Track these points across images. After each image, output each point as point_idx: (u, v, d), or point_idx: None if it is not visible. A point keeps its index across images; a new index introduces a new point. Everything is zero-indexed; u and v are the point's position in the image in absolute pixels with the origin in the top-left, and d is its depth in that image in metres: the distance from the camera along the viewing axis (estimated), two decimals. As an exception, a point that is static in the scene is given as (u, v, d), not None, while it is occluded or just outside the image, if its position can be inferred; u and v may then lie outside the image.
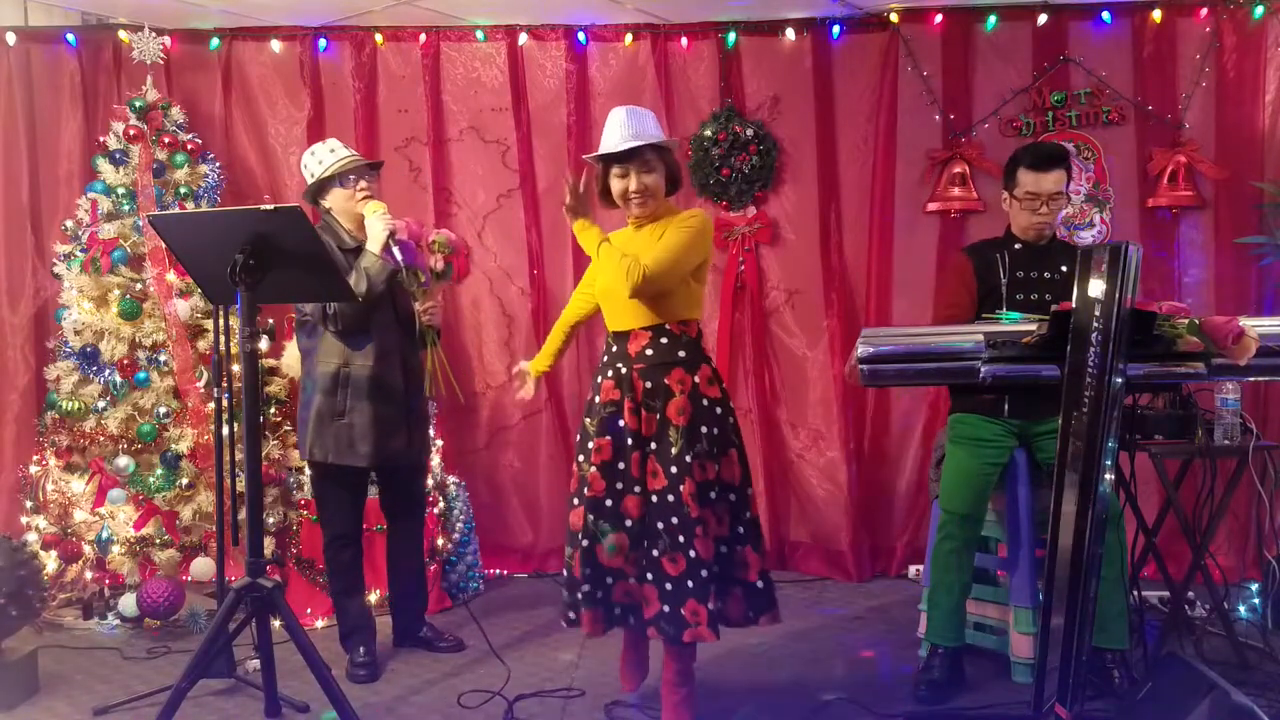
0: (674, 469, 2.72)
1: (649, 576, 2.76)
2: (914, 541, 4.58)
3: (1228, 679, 2.54)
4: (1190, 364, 2.52)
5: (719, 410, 2.82)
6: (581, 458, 2.88)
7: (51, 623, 3.96)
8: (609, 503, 2.79)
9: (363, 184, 3.39)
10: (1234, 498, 3.48)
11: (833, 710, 3.12)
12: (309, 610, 4.00)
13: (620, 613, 2.83)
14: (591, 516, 2.79)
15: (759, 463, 4.66)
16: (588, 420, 2.90)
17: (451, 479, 4.44)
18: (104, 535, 3.96)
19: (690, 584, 2.70)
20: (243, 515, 2.86)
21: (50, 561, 3.92)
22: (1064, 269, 3.27)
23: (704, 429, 2.77)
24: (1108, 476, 2.39)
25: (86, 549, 4.00)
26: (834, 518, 4.63)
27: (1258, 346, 2.42)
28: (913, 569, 4.53)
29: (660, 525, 2.73)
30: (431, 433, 3.98)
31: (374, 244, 3.29)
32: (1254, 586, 3.94)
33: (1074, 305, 2.51)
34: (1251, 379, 2.88)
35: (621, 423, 2.79)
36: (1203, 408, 3.36)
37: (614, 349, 2.88)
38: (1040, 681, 2.57)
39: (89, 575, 4.03)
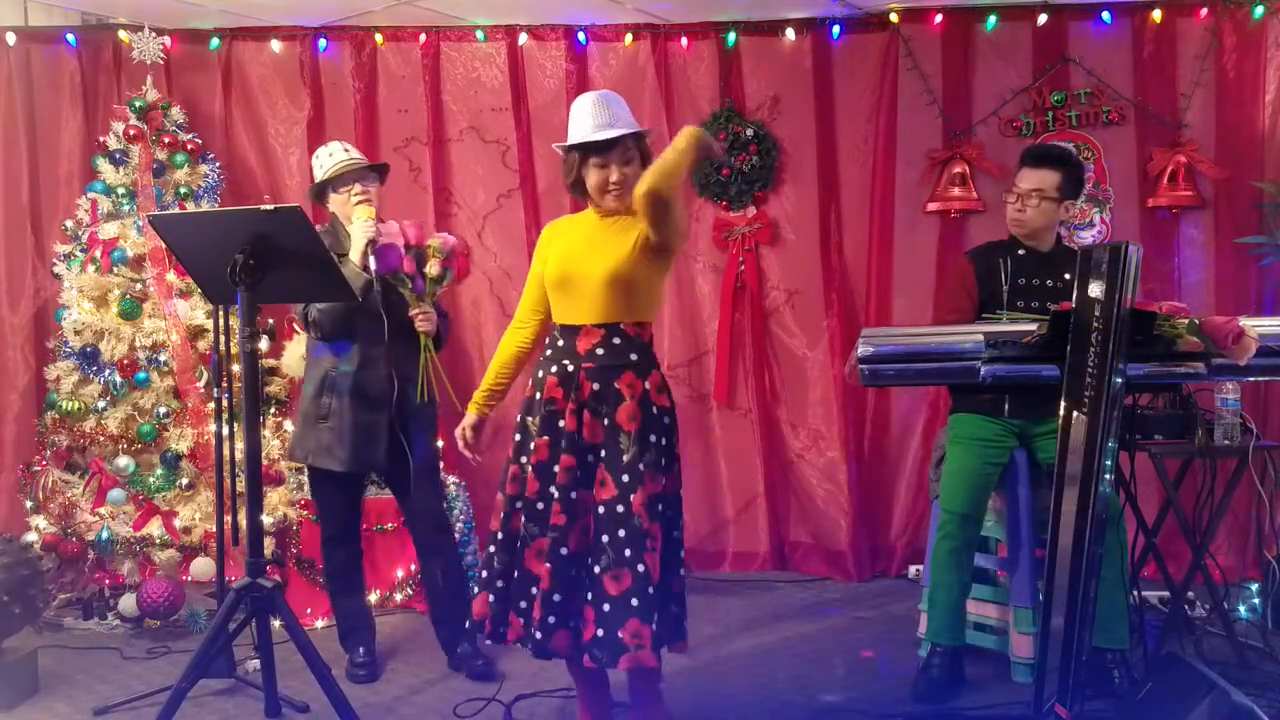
0: (625, 477, 2.54)
1: (588, 596, 2.55)
2: (914, 541, 4.57)
3: (1228, 679, 2.55)
4: (1190, 364, 2.52)
5: (667, 420, 2.65)
6: (524, 459, 2.67)
7: (51, 623, 3.95)
8: (540, 506, 2.61)
9: (357, 188, 3.34)
10: (1234, 498, 3.48)
11: (833, 711, 3.12)
12: (309, 610, 4.00)
13: (541, 637, 2.56)
14: (524, 519, 2.62)
15: (759, 463, 4.67)
16: (529, 419, 2.68)
17: (451, 479, 4.43)
18: (104, 535, 3.95)
19: (635, 602, 2.49)
20: (243, 515, 2.86)
21: (50, 562, 3.92)
22: (1067, 276, 3.23)
23: (653, 438, 2.59)
24: (1108, 476, 2.39)
25: (86, 549, 4.00)
26: (834, 518, 4.63)
27: (1258, 346, 2.42)
28: (913, 569, 4.52)
29: (605, 538, 2.52)
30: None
31: (354, 252, 3.24)
32: (1254, 586, 3.93)
33: (1074, 305, 2.51)
34: (1251, 379, 2.88)
35: (561, 424, 2.60)
36: (1203, 408, 3.36)
37: (560, 343, 2.66)
38: (1040, 681, 2.57)
39: (89, 575, 4.03)
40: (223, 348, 3.35)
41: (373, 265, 3.21)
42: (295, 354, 4.27)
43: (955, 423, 3.38)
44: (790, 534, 4.75)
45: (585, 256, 2.65)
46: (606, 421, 2.59)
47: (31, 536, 3.94)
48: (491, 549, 2.69)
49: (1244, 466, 3.37)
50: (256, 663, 3.19)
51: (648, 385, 2.63)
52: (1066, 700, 2.42)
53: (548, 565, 2.56)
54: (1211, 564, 3.47)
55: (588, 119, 2.63)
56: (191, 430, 4.05)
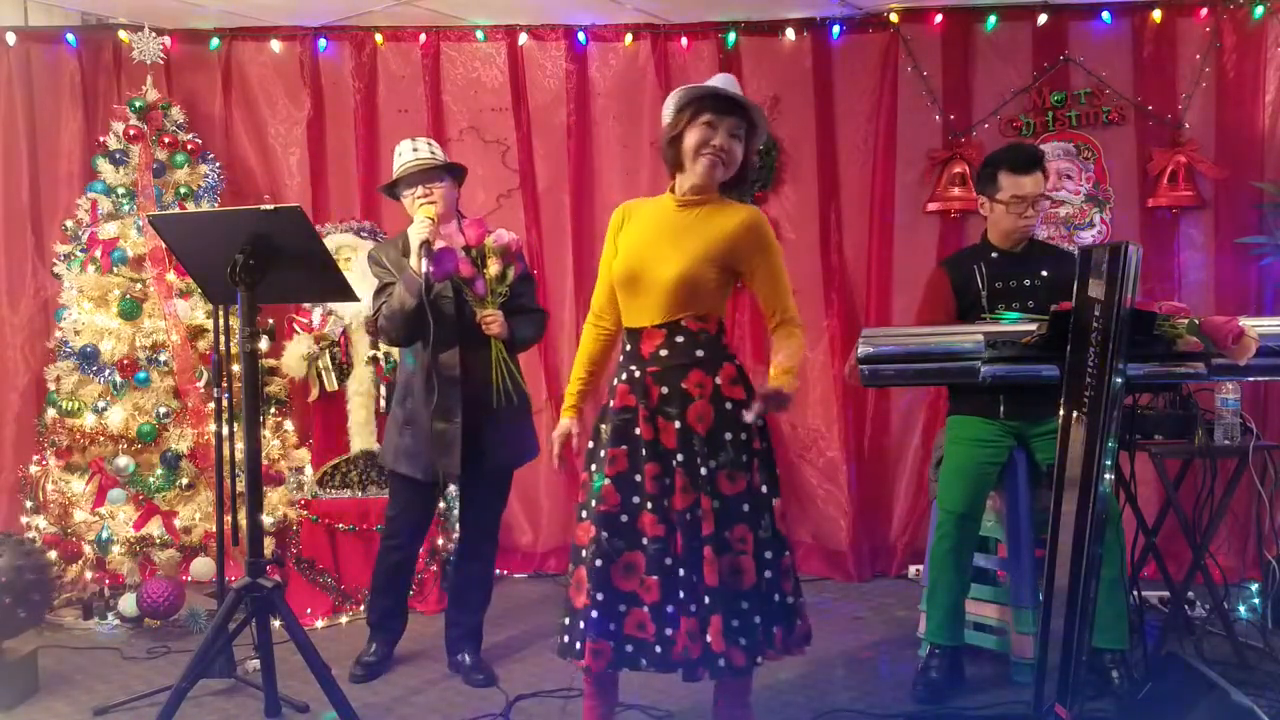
0: (700, 481, 2.49)
1: (691, 608, 2.48)
2: (914, 541, 4.57)
3: (1228, 679, 2.55)
4: (1190, 364, 2.53)
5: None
6: (594, 467, 2.60)
7: (51, 623, 3.95)
8: (624, 518, 2.51)
9: (419, 190, 3.27)
10: (1234, 498, 3.48)
11: (833, 711, 3.12)
12: (309, 610, 4.00)
13: (632, 651, 2.52)
14: (605, 534, 2.51)
15: (759, 463, 4.67)
16: (602, 426, 2.61)
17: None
18: (104, 535, 3.96)
19: (723, 606, 2.47)
20: (243, 515, 2.86)
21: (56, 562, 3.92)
22: (1044, 273, 3.24)
23: (729, 435, 2.52)
24: (1107, 476, 2.39)
25: (86, 549, 4.00)
26: (834, 518, 4.63)
27: (1258, 346, 2.42)
28: (913, 569, 4.52)
29: (695, 545, 2.48)
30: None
31: (411, 255, 3.17)
32: (1254, 586, 3.94)
33: (1074, 305, 2.51)
34: (1251, 379, 2.89)
35: (637, 431, 2.52)
36: (1203, 408, 3.36)
37: (629, 348, 2.61)
38: (1040, 681, 2.57)
39: (89, 575, 4.03)
40: (223, 348, 3.35)
41: (423, 267, 3.10)
42: (295, 354, 4.28)
43: (953, 424, 3.38)
44: (790, 534, 4.74)
45: (656, 253, 2.55)
46: (679, 425, 2.51)
47: (31, 536, 3.94)
48: (578, 566, 2.57)
49: (1244, 466, 3.37)
50: (256, 663, 3.19)
51: (719, 380, 2.54)
52: (1066, 700, 2.42)
53: (655, 578, 2.48)
54: (1211, 564, 3.48)
55: (718, 83, 2.57)
56: (191, 430, 4.06)
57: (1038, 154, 3.29)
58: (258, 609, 2.74)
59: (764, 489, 2.59)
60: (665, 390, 2.54)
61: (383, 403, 4.32)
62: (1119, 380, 2.36)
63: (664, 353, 2.55)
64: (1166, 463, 3.45)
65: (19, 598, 3.26)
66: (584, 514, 2.59)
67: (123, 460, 3.99)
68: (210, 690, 3.26)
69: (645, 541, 2.50)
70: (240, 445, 2.91)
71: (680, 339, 2.55)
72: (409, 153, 3.32)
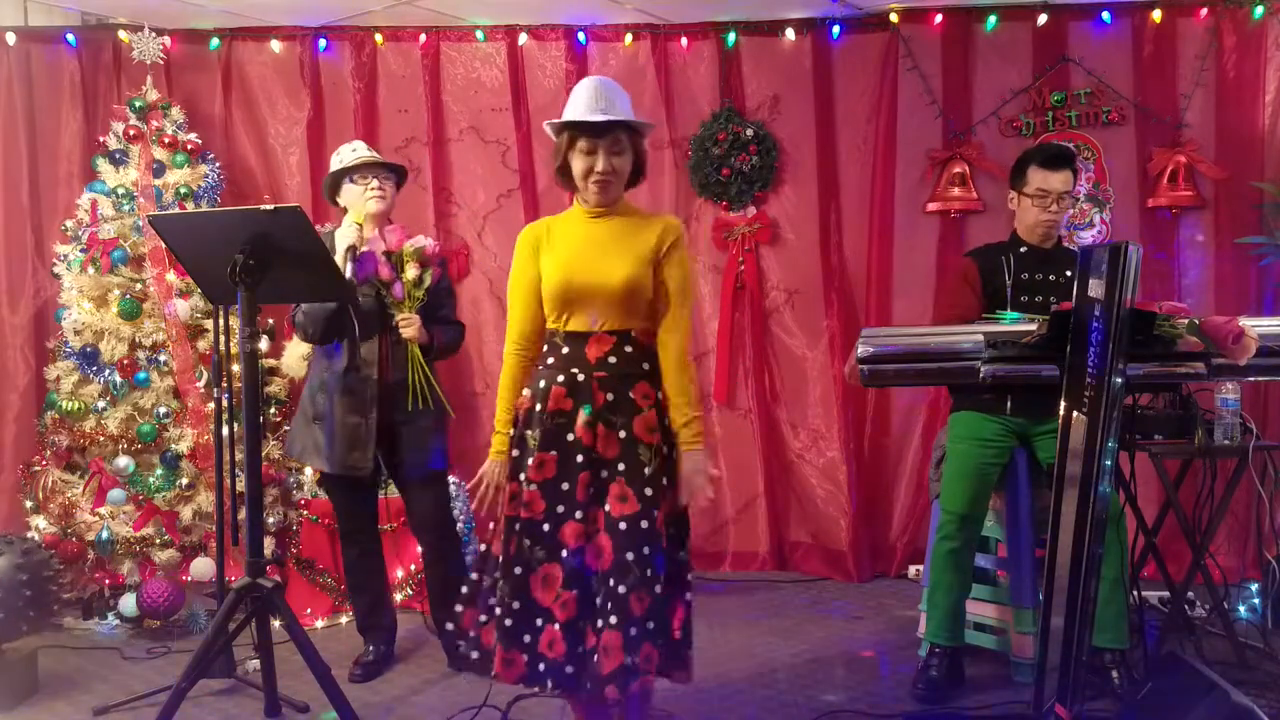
0: (649, 490, 2.42)
1: (612, 620, 2.37)
2: (914, 541, 4.58)
3: (1228, 679, 2.54)
4: (1190, 364, 2.52)
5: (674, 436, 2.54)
6: (523, 476, 2.48)
7: (51, 623, 3.94)
8: (546, 527, 2.44)
9: (374, 182, 3.34)
10: (1234, 498, 3.48)
11: (833, 711, 3.12)
12: (309, 610, 4.00)
13: (544, 669, 2.42)
14: (527, 542, 2.44)
15: (759, 463, 4.67)
16: (528, 432, 2.51)
17: (451, 479, 4.43)
18: (104, 535, 3.95)
19: (651, 625, 2.38)
20: (243, 515, 2.86)
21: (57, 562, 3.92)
22: (1069, 273, 3.25)
23: (666, 449, 2.50)
24: (1108, 476, 2.39)
25: (87, 549, 4.00)
26: (834, 518, 4.63)
27: (1258, 346, 2.42)
28: (913, 569, 4.53)
29: (630, 556, 2.37)
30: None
31: (338, 255, 3.18)
32: (1254, 586, 3.94)
33: (1074, 305, 2.51)
34: (1251, 379, 2.89)
35: (571, 436, 2.45)
36: (1203, 408, 3.36)
37: (565, 350, 2.51)
38: (1040, 681, 2.57)
39: (89, 575, 4.03)
40: (223, 348, 3.35)
41: (348, 271, 3.14)
42: (295, 354, 4.27)
43: (955, 422, 3.39)
44: (790, 534, 4.75)
45: (595, 261, 2.50)
46: (623, 434, 2.46)
47: (32, 536, 3.94)
48: (497, 575, 2.50)
49: (1244, 466, 3.37)
50: (256, 663, 3.19)
51: (661, 395, 2.53)
52: (1066, 700, 2.42)
53: (573, 592, 2.41)
54: (1211, 564, 3.47)
55: (583, 102, 2.47)
56: (191, 430, 4.05)
57: (1068, 153, 3.34)
58: (258, 609, 2.74)
59: (687, 511, 2.58)
60: (611, 397, 2.48)
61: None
62: (1119, 380, 2.36)
63: (613, 359, 2.50)
64: (1166, 463, 3.45)
65: (22, 608, 3.25)
66: (517, 526, 2.48)
67: (123, 460, 3.99)
68: (210, 690, 3.26)
69: (565, 555, 2.43)
70: (240, 445, 2.91)
71: (629, 349, 2.52)
72: (364, 150, 3.44)
